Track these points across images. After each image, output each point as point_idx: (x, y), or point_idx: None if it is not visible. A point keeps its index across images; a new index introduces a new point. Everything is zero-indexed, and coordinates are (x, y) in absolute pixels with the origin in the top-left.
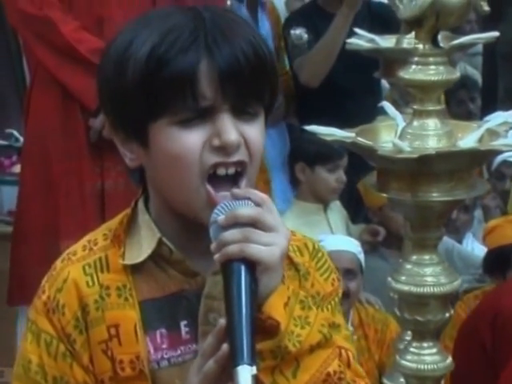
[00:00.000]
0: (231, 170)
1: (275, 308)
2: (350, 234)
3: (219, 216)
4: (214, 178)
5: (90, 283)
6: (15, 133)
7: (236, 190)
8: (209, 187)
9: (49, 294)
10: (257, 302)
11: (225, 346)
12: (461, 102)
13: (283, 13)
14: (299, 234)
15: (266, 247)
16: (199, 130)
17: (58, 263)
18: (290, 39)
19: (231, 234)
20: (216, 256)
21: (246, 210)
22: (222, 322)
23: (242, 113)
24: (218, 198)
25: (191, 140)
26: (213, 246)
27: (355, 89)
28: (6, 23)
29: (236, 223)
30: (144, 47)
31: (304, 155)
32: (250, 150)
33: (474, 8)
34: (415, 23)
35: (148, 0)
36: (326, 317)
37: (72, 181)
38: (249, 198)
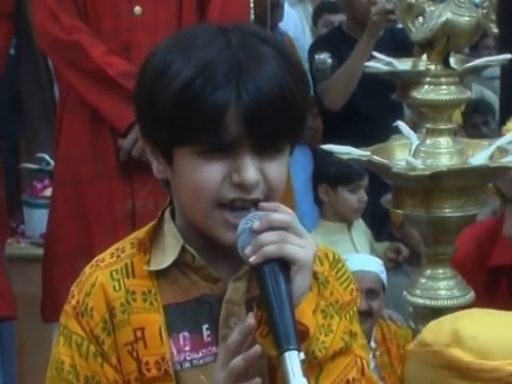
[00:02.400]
0: (247, 204)
1: (305, 313)
2: (374, 252)
3: (248, 225)
4: (230, 206)
5: (117, 287)
6: (46, 157)
7: (264, 203)
8: (226, 213)
9: (78, 299)
10: (293, 302)
11: (257, 347)
12: (475, 125)
13: (308, 39)
14: (321, 245)
15: (301, 248)
16: (220, 164)
17: (87, 269)
18: (314, 64)
19: (268, 235)
20: (252, 258)
21: (280, 215)
22: (252, 320)
23: (264, 150)
24: (235, 219)
25: (212, 173)
26: (248, 250)
27: (377, 112)
28: (35, 51)
29: (270, 227)
30: (178, 79)
31: (326, 177)
32: (270, 187)
33: (483, 30)
34: (427, 45)
35: (174, 27)
36: (345, 325)
37: (103, 202)
38: (275, 210)
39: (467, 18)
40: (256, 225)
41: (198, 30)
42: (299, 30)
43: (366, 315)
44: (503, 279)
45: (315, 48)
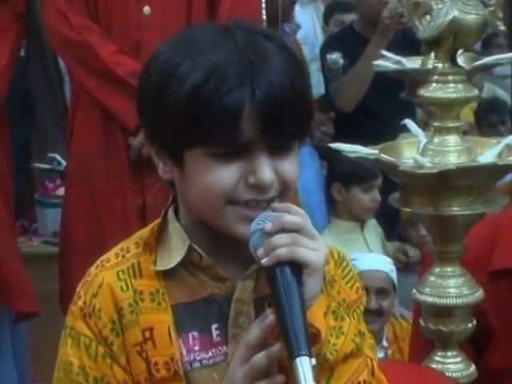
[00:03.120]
0: (262, 204)
1: (317, 316)
2: (385, 251)
3: (260, 225)
4: (245, 205)
5: (124, 288)
6: (57, 157)
7: (276, 204)
8: (240, 208)
9: (85, 300)
10: (304, 305)
11: (278, 345)
12: (492, 124)
13: (319, 38)
14: None
15: (313, 251)
16: (235, 165)
17: (93, 270)
18: (326, 64)
19: (280, 237)
20: (265, 260)
21: (292, 217)
22: (271, 317)
23: (277, 149)
24: (250, 213)
25: (227, 175)
26: (260, 251)
27: (389, 111)
28: (45, 51)
29: (282, 229)
30: (188, 81)
31: (339, 176)
32: (284, 185)
33: (490, 27)
34: (434, 43)
35: (184, 26)
36: (354, 325)
37: (115, 199)
38: (287, 212)
39: (474, 16)
40: (268, 226)
41: (201, 31)
42: (310, 29)
43: (376, 314)
44: (503, 281)
45: (327, 47)
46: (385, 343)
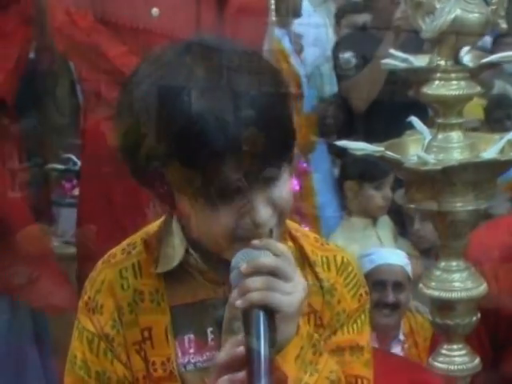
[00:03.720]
0: (264, 235)
1: (287, 360)
2: (398, 247)
3: (239, 263)
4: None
5: (125, 286)
6: (73, 157)
7: (256, 242)
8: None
9: (89, 295)
10: (275, 348)
11: (241, 374)
12: (497, 120)
13: (331, 39)
14: (332, 245)
15: (286, 296)
16: (231, 206)
17: (99, 264)
18: (339, 63)
19: (253, 281)
20: (238, 302)
21: (267, 260)
22: (242, 349)
23: (269, 179)
24: None
25: (225, 219)
26: (234, 293)
27: (400, 108)
28: (55, 52)
29: (257, 272)
30: (174, 127)
31: (351, 173)
32: (281, 211)
33: (492, 26)
34: (437, 42)
35: (192, 27)
36: (350, 339)
37: (133, 198)
38: (267, 249)
39: (476, 15)
40: (243, 268)
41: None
42: (322, 30)
43: (393, 308)
44: None
45: (339, 47)
46: (401, 337)
